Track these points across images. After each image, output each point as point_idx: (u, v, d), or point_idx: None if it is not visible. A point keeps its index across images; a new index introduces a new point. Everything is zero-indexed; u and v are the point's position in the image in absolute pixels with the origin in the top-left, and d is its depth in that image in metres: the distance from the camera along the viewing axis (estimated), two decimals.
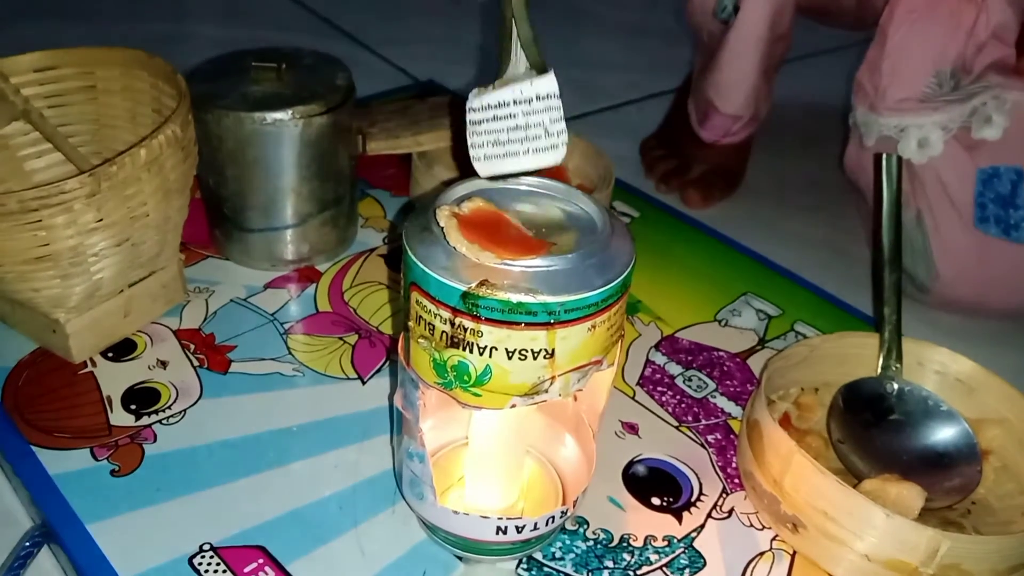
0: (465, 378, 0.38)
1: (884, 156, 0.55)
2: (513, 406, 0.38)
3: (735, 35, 0.78)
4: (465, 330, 0.36)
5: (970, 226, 0.67)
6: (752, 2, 0.76)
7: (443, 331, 0.37)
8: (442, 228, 0.37)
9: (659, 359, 0.61)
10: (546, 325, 0.36)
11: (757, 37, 0.77)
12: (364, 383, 0.57)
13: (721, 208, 0.85)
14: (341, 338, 0.60)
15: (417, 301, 0.38)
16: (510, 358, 0.37)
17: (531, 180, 0.42)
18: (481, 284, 0.35)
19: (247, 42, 1.07)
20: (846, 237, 0.82)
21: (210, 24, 1.16)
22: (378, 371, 0.58)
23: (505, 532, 0.44)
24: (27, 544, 0.47)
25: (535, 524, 0.44)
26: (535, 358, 0.37)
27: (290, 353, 0.58)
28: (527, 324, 0.36)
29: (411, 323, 0.39)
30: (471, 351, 0.37)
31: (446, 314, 0.36)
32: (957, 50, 0.66)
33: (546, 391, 0.38)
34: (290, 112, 0.59)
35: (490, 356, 0.37)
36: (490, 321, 0.36)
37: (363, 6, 1.26)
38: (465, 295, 0.35)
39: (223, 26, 1.15)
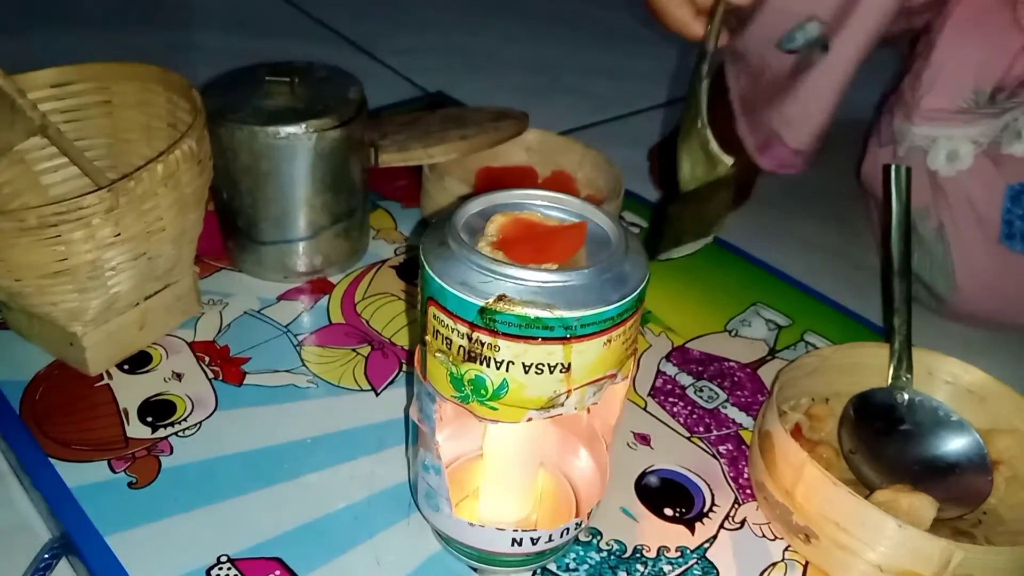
0: (482, 392, 0.38)
1: (893, 168, 0.56)
2: (529, 419, 0.39)
3: (821, 75, 0.75)
4: (482, 345, 0.37)
5: (995, 241, 0.66)
6: (846, 47, 0.72)
7: (460, 345, 0.37)
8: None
9: (670, 370, 0.61)
10: (563, 340, 0.37)
11: (843, 81, 0.75)
12: (378, 394, 0.57)
13: (730, 218, 0.85)
14: (354, 349, 0.60)
15: (434, 316, 0.38)
16: (527, 372, 0.37)
17: (545, 194, 0.42)
18: (499, 299, 0.36)
19: (257, 52, 1.09)
20: (855, 246, 0.82)
21: (220, 34, 1.17)
22: (391, 382, 0.58)
23: (520, 544, 0.44)
24: (46, 556, 0.47)
25: (550, 536, 0.44)
26: (551, 372, 0.37)
27: (304, 365, 0.59)
28: (544, 339, 0.36)
29: (428, 337, 0.39)
30: (488, 365, 0.37)
31: (464, 329, 0.37)
32: (1000, 71, 0.66)
33: (562, 404, 0.39)
34: (303, 126, 0.59)
35: (507, 370, 0.37)
36: (507, 336, 0.36)
37: (372, 17, 1.27)
38: (483, 310, 0.36)
39: (233, 36, 1.16)
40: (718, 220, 0.41)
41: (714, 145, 0.45)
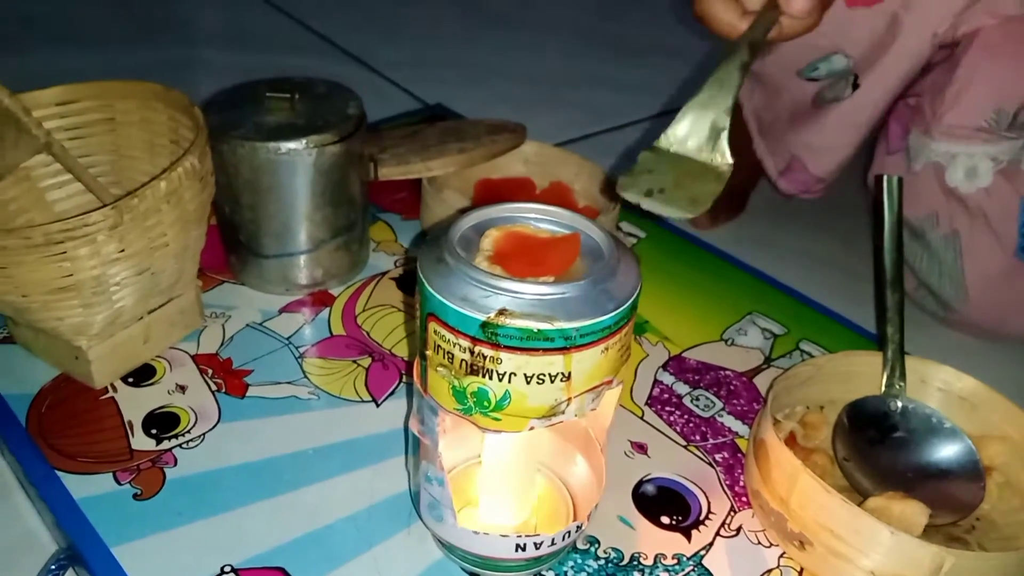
0: (485, 404, 0.39)
1: (885, 178, 0.57)
2: (531, 428, 0.40)
3: (849, 111, 0.76)
4: (485, 358, 0.38)
5: (1010, 254, 0.67)
6: (875, 87, 0.74)
7: (463, 359, 0.38)
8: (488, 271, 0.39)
9: (667, 379, 0.62)
10: (563, 350, 0.38)
11: (872, 117, 0.76)
12: (378, 405, 0.58)
13: (726, 228, 0.87)
14: (355, 361, 0.61)
15: (435, 331, 0.39)
16: (528, 383, 0.38)
17: (538, 207, 0.43)
18: (500, 313, 0.37)
19: (257, 67, 1.10)
20: (849, 255, 0.83)
21: (220, 49, 1.18)
22: (392, 393, 0.59)
23: (524, 549, 0.45)
24: (53, 567, 0.48)
25: (552, 540, 0.45)
26: (552, 381, 0.38)
27: (305, 376, 0.60)
28: (545, 350, 0.37)
29: (429, 352, 0.40)
30: (491, 378, 0.38)
31: (465, 343, 0.38)
32: None
33: (563, 412, 0.40)
34: (304, 141, 0.60)
35: (509, 382, 0.38)
36: (509, 348, 0.37)
37: (371, 30, 1.28)
38: (484, 324, 0.37)
39: (233, 51, 1.17)
40: (701, 202, 0.41)
41: (725, 138, 0.45)
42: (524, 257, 0.41)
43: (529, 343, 0.37)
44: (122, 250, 0.51)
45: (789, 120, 0.81)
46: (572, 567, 0.48)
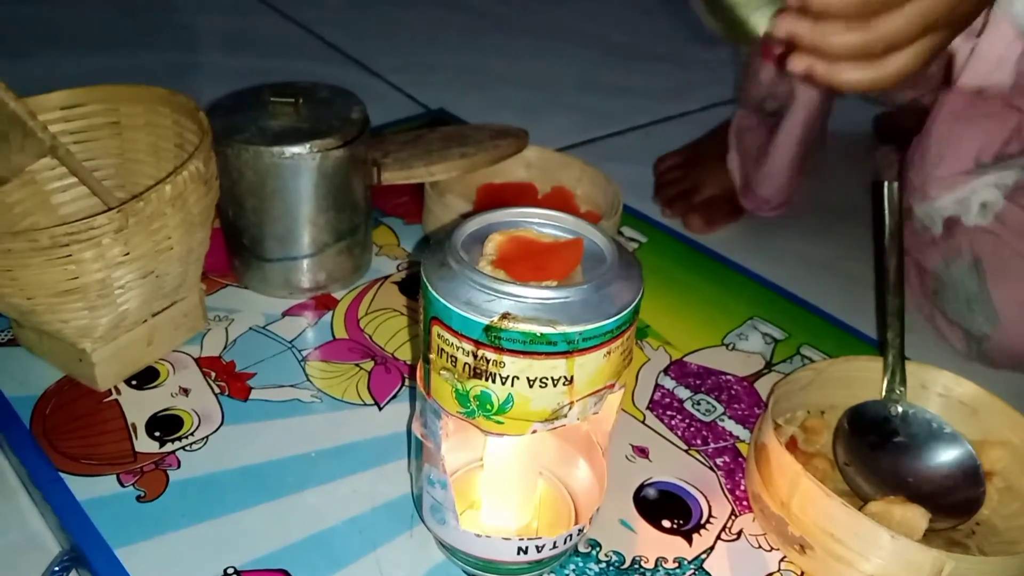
0: (488, 407, 0.39)
1: (885, 184, 0.57)
2: (534, 432, 0.40)
3: (779, 136, 0.84)
4: (488, 361, 0.38)
5: None
6: (794, 113, 0.82)
7: (466, 363, 0.39)
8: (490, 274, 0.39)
9: (668, 383, 0.62)
10: (565, 354, 0.38)
11: (795, 139, 0.83)
12: (381, 409, 0.58)
13: (727, 232, 0.87)
14: (358, 364, 0.62)
15: (439, 335, 0.39)
16: (531, 386, 0.38)
17: (540, 212, 0.44)
18: (503, 317, 0.37)
19: (260, 72, 1.11)
20: (850, 260, 0.83)
21: (223, 53, 1.18)
22: (394, 396, 0.59)
23: (526, 552, 0.45)
24: (56, 569, 0.48)
25: (553, 543, 0.45)
26: (555, 385, 0.39)
27: (308, 380, 0.60)
28: (548, 354, 0.38)
29: (432, 355, 0.40)
30: (494, 381, 0.38)
31: (469, 347, 0.38)
32: (998, 146, 0.68)
33: (565, 416, 0.40)
34: (308, 146, 0.60)
35: (512, 385, 0.38)
36: (512, 352, 0.37)
37: (374, 34, 1.28)
38: (488, 328, 0.37)
39: (236, 55, 1.18)
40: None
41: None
42: (527, 262, 0.41)
43: (532, 347, 0.37)
44: (127, 253, 0.51)
45: (751, 148, 0.88)
46: (573, 570, 0.48)
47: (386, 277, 0.70)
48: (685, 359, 0.65)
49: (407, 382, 0.60)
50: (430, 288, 0.39)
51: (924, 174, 0.72)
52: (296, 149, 0.60)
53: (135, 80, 0.63)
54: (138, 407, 0.57)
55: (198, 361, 0.61)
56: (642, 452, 0.57)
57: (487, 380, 0.39)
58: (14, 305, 0.52)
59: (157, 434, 0.55)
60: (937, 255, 0.71)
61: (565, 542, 0.46)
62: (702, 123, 0.98)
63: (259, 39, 1.25)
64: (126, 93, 0.62)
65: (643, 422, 0.59)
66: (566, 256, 0.41)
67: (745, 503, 0.53)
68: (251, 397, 0.58)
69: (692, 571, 0.49)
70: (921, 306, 0.76)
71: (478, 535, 0.45)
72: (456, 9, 1.39)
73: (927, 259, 0.73)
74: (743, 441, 0.58)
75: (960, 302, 0.70)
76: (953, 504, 0.52)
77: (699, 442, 0.58)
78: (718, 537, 0.51)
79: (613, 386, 0.41)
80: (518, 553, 0.45)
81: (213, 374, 0.60)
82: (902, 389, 0.55)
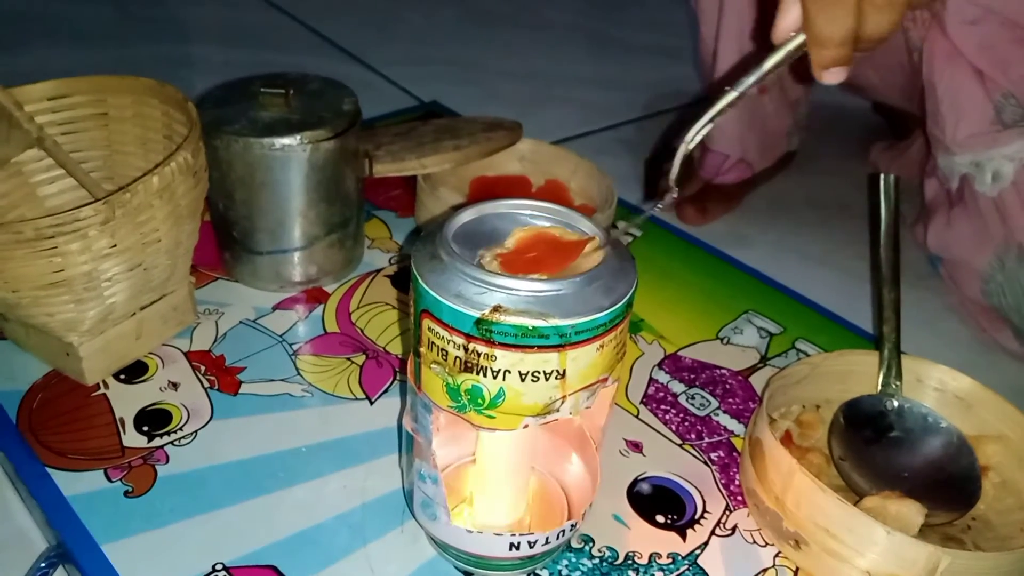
0: (479, 401, 0.39)
1: (882, 176, 0.56)
2: (526, 426, 0.40)
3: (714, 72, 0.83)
4: (479, 355, 0.37)
5: None
6: (723, 43, 0.82)
7: (456, 356, 0.38)
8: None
9: (662, 377, 0.62)
10: (558, 347, 0.37)
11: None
12: (372, 403, 0.58)
13: (721, 225, 0.87)
14: (349, 358, 0.61)
15: (429, 328, 0.39)
16: (523, 380, 0.38)
17: (535, 204, 0.43)
18: (494, 310, 0.36)
19: (252, 64, 1.10)
20: (845, 254, 0.83)
21: (215, 46, 1.17)
22: (385, 391, 0.59)
23: (517, 548, 0.44)
24: (43, 565, 0.47)
25: (546, 539, 0.45)
26: (547, 379, 0.38)
27: (299, 374, 0.59)
28: (539, 347, 0.37)
29: (423, 349, 0.40)
30: (485, 375, 0.38)
31: (459, 340, 0.37)
32: (1002, 80, 0.68)
33: (557, 410, 0.39)
34: (298, 138, 0.60)
35: (504, 379, 0.38)
36: (504, 345, 0.37)
37: (367, 27, 1.27)
38: (479, 321, 0.36)
39: (228, 48, 1.17)
40: None
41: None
42: (539, 256, 0.40)
43: (524, 340, 0.37)
44: (114, 245, 0.50)
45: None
46: (566, 566, 0.48)
47: (378, 270, 0.70)
48: (679, 353, 0.64)
49: (399, 376, 0.60)
50: (420, 281, 0.38)
51: (943, 129, 0.71)
52: (286, 140, 0.60)
53: (126, 72, 0.62)
54: (126, 401, 0.56)
55: (187, 355, 0.60)
56: (636, 447, 0.56)
57: (478, 374, 0.38)
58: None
59: (145, 429, 0.54)
60: (988, 252, 0.71)
61: (557, 538, 0.45)
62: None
63: (250, 31, 1.24)
64: (114, 84, 0.61)
65: (637, 416, 0.58)
66: (569, 251, 0.41)
67: (740, 498, 0.53)
68: (241, 391, 0.57)
69: (686, 567, 0.49)
70: (960, 306, 0.75)
71: (469, 531, 0.44)
72: (450, 2, 1.38)
73: (975, 259, 0.72)
74: (737, 436, 0.58)
75: (1016, 296, 0.69)
76: (949, 499, 0.52)
77: (693, 437, 0.57)
78: (712, 532, 0.51)
79: (606, 380, 0.41)
80: (510, 549, 0.45)
81: (203, 368, 0.59)
82: (898, 383, 0.55)
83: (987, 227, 0.71)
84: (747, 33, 0.80)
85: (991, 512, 0.53)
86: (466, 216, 0.42)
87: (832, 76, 0.42)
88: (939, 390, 0.56)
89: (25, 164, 0.61)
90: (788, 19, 0.42)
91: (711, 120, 0.43)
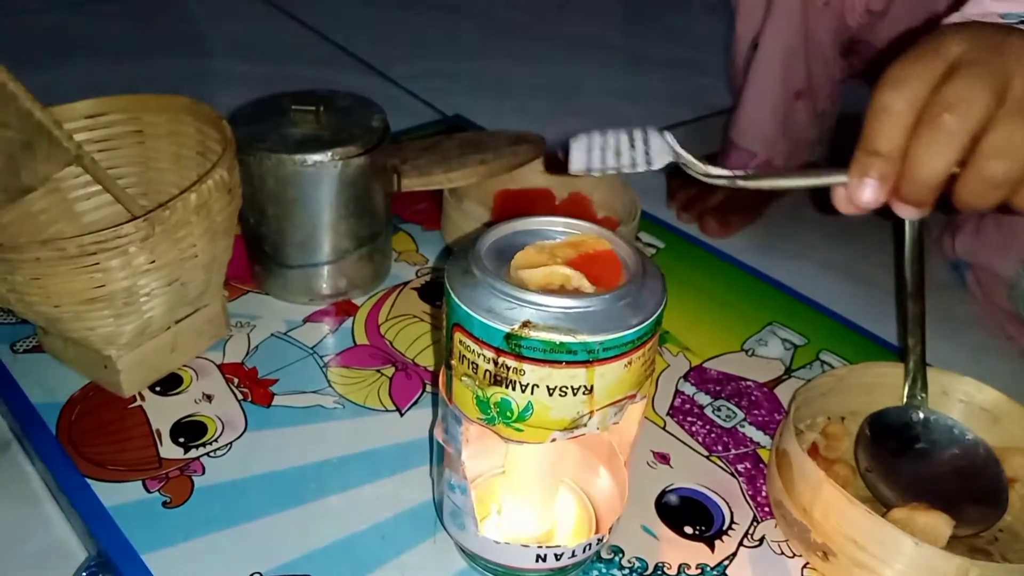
0: (508, 414, 0.40)
1: None
2: (553, 440, 0.40)
3: (754, 69, 0.82)
4: (508, 369, 0.38)
5: None
6: (768, 40, 0.81)
7: (487, 370, 0.39)
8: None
9: (688, 389, 0.62)
10: (585, 363, 0.38)
11: (776, 77, 0.82)
12: (402, 415, 0.59)
13: (744, 237, 0.87)
14: (379, 370, 0.62)
15: (460, 341, 0.39)
16: (551, 395, 0.39)
17: (564, 220, 0.44)
18: (524, 325, 0.37)
19: (278, 78, 1.11)
20: (869, 266, 0.83)
21: (240, 60, 1.19)
22: (415, 402, 0.59)
23: (544, 560, 0.45)
24: (84, 574, 0.49)
25: (573, 552, 0.45)
26: (575, 394, 0.39)
27: (330, 386, 0.60)
28: (567, 362, 0.38)
29: (454, 362, 0.41)
30: (514, 388, 0.39)
31: (490, 354, 0.38)
32: None
33: (585, 425, 0.40)
34: (329, 154, 0.61)
35: (532, 393, 0.39)
36: (532, 360, 0.38)
37: (390, 41, 1.29)
38: (509, 336, 0.37)
39: (253, 62, 1.18)
40: None
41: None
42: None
43: (552, 355, 0.38)
44: (152, 261, 0.52)
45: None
46: None
47: (405, 283, 0.71)
48: (705, 365, 0.65)
49: (428, 388, 0.61)
50: (453, 295, 0.39)
51: None
52: (317, 157, 0.61)
53: (154, 89, 0.64)
54: (162, 413, 0.57)
55: (221, 367, 0.61)
56: (663, 458, 0.57)
57: (507, 387, 0.39)
58: (41, 313, 0.52)
59: (181, 440, 0.55)
60: (1013, 258, 0.71)
61: (584, 551, 0.46)
62: (717, 127, 0.98)
63: (276, 47, 1.25)
64: (150, 102, 0.63)
65: (664, 428, 0.59)
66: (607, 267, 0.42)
67: (767, 509, 0.53)
68: (274, 403, 0.59)
69: None
70: (986, 314, 0.75)
71: (497, 541, 0.45)
72: (472, 15, 1.40)
73: (1002, 265, 0.72)
74: (764, 447, 0.58)
75: None
76: (975, 511, 0.52)
77: (720, 448, 0.58)
78: (740, 543, 0.51)
79: (634, 396, 0.41)
80: (537, 561, 0.45)
81: (236, 380, 0.60)
82: (923, 395, 0.55)
83: (1014, 232, 0.70)
84: (798, 31, 0.81)
85: (1018, 524, 0.53)
86: (498, 233, 0.43)
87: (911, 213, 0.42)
88: (965, 402, 0.56)
89: (63, 180, 0.62)
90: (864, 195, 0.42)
91: (713, 176, 0.44)
